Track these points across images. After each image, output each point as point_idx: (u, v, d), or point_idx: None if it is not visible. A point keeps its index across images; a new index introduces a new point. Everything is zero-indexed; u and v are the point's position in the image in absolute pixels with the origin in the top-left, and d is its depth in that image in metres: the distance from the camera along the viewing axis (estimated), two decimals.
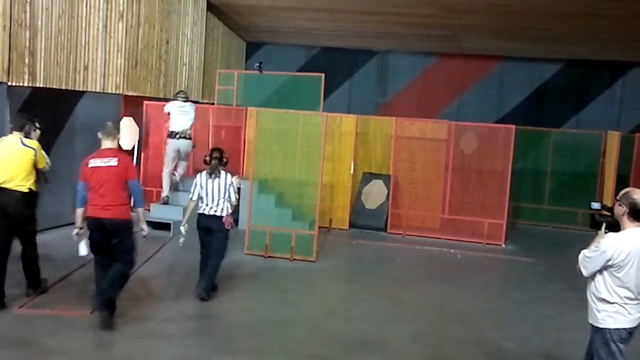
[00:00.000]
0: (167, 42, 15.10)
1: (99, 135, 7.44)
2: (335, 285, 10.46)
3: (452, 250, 12.75)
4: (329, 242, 12.67)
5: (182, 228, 8.70)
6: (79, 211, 7.35)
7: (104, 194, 7.17)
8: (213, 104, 15.59)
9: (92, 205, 7.23)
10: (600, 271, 5.09)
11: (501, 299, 9.78)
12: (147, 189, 14.00)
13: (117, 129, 7.62)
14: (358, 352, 7.20)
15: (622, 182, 13.19)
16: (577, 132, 16.93)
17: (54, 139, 11.61)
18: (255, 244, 11.24)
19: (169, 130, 12.84)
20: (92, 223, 7.27)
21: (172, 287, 9.12)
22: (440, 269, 11.49)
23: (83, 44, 12.28)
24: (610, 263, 5.01)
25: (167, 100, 14.80)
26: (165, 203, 12.89)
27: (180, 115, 12.70)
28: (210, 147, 12.91)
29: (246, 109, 13.72)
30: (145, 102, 14.06)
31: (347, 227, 14.24)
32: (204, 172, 8.70)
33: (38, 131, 8.13)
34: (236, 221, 8.76)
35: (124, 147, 13.70)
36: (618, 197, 5.17)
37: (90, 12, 12.38)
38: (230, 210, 8.67)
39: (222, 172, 8.65)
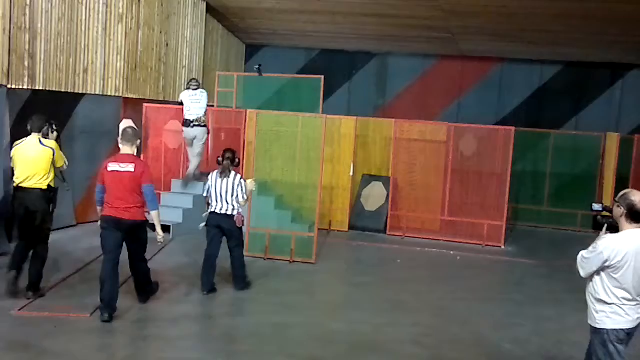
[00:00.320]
0: (167, 45, 15.12)
1: (119, 140, 7.82)
2: (335, 287, 10.46)
3: (452, 252, 12.75)
4: (329, 244, 12.67)
5: (204, 216, 9.11)
6: (99, 209, 7.83)
7: (121, 197, 7.57)
8: (213, 106, 15.57)
9: (110, 207, 7.62)
10: (597, 272, 5.11)
11: (501, 301, 9.77)
12: None
13: (136, 135, 7.93)
14: (358, 354, 7.20)
15: (622, 183, 13.18)
16: (576, 134, 16.94)
17: None
18: (255, 246, 11.24)
19: (183, 119, 12.99)
20: (108, 220, 7.63)
21: (173, 289, 9.11)
22: (440, 271, 11.49)
23: (83, 46, 12.30)
24: (607, 264, 5.02)
25: (166, 102, 14.86)
26: (199, 179, 12.99)
27: (192, 104, 12.87)
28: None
29: (246, 111, 13.70)
30: (145, 104, 14.06)
31: (346, 229, 14.24)
32: (216, 172, 9.01)
33: (55, 132, 8.54)
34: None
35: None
36: (616, 199, 5.19)
37: (89, 15, 12.41)
38: (240, 209, 8.97)
39: (232, 173, 8.94)
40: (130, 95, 13.79)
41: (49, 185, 8.08)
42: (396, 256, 12.29)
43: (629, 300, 5.06)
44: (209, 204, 9.09)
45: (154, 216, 7.80)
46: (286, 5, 15.99)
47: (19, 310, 7.66)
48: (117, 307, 7.64)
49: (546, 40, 16.50)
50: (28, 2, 10.84)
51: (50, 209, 8.20)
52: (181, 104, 13.08)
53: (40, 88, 11.25)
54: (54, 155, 8.10)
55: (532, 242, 14.30)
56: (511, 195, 13.89)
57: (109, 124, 13.12)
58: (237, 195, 8.91)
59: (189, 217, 12.24)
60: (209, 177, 9.08)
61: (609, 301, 5.09)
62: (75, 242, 10.97)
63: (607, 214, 5.43)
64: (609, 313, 5.10)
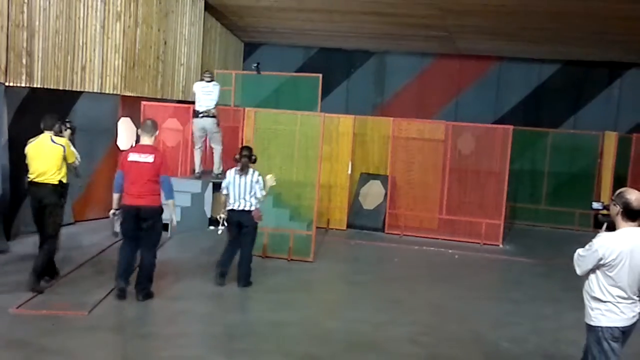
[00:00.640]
0: (165, 43, 15.10)
1: (139, 132, 8.34)
2: (333, 285, 10.46)
3: (450, 251, 12.75)
4: (327, 242, 12.67)
5: (219, 217, 9.38)
6: (116, 196, 8.22)
7: (140, 185, 8.01)
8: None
9: (129, 195, 8.06)
10: (593, 270, 5.15)
11: (499, 299, 9.78)
12: None
13: (155, 127, 8.31)
14: (355, 353, 7.20)
15: (620, 182, 13.20)
16: (574, 133, 16.95)
17: None
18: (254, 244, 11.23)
19: (193, 110, 13.14)
20: (128, 210, 8.09)
21: (170, 287, 9.11)
22: (438, 270, 11.49)
23: (80, 44, 12.29)
24: (602, 262, 5.05)
25: (165, 100, 14.85)
26: (198, 178, 13.16)
27: (203, 95, 13.01)
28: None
29: (244, 110, 13.70)
30: (143, 102, 14.05)
31: (344, 228, 14.24)
32: (234, 169, 9.19)
33: (69, 130, 9.13)
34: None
35: (122, 148, 13.72)
36: (613, 197, 5.21)
37: (87, 13, 12.39)
38: (258, 205, 9.17)
39: (250, 170, 9.13)
40: (128, 93, 13.77)
41: (60, 181, 8.46)
42: (394, 255, 12.30)
43: (624, 298, 5.08)
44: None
45: (170, 204, 8.27)
46: (284, 4, 15.98)
47: (17, 308, 7.65)
48: (130, 281, 8.27)
49: (544, 39, 16.49)
50: (26, 0, 10.82)
51: (61, 203, 8.59)
52: (193, 96, 13.25)
53: (38, 86, 11.24)
54: (64, 152, 8.46)
55: (530, 241, 14.31)
56: (509, 193, 13.91)
57: (106, 122, 13.12)
58: (256, 192, 9.12)
59: (187, 215, 12.24)
60: (227, 174, 9.26)
61: (604, 299, 5.11)
62: (73, 239, 10.95)
63: (608, 212, 5.45)
64: (604, 311, 5.12)
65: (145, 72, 14.37)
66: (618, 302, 5.08)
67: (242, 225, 9.18)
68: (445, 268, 11.61)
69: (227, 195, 9.18)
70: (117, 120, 13.54)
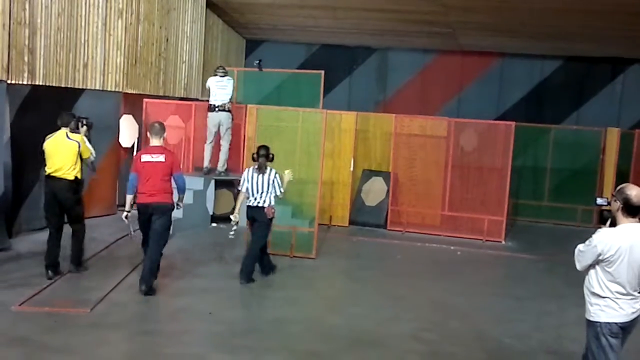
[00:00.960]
0: (167, 40, 15.10)
1: (148, 134, 8.63)
2: (335, 282, 10.46)
3: (452, 247, 12.75)
4: (329, 239, 12.67)
5: (232, 217, 9.58)
6: (129, 197, 8.57)
7: (153, 184, 8.36)
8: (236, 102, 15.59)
9: (142, 194, 8.42)
10: (593, 266, 5.17)
11: (501, 296, 9.77)
12: None
13: (163, 129, 8.65)
14: (358, 349, 7.20)
15: (622, 178, 13.17)
16: (577, 129, 16.91)
17: None
18: None
19: (209, 104, 13.16)
20: (142, 209, 8.45)
21: (173, 284, 9.12)
22: (441, 266, 11.48)
23: (82, 41, 12.28)
24: (600, 258, 5.07)
25: (167, 97, 14.85)
26: (207, 174, 13.21)
27: (218, 90, 13.06)
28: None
29: (246, 107, 13.69)
30: (145, 99, 14.05)
31: (347, 224, 14.23)
32: (252, 168, 9.40)
33: (85, 127, 9.46)
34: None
35: (124, 145, 13.73)
36: (613, 193, 5.22)
37: (89, 10, 12.39)
38: (273, 202, 9.37)
39: (268, 168, 9.34)
40: (130, 91, 13.77)
41: (75, 177, 8.89)
42: (396, 251, 12.30)
43: (622, 294, 5.08)
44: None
45: (181, 198, 8.73)
46: (286, 0, 15.96)
47: (19, 305, 7.66)
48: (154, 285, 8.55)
49: (547, 35, 16.46)
50: None
51: (76, 198, 9.03)
52: (208, 89, 13.29)
53: (40, 83, 11.23)
54: (79, 148, 8.87)
55: (533, 237, 14.29)
56: (511, 190, 13.89)
57: (108, 119, 13.11)
58: (275, 190, 9.33)
59: (189, 213, 12.22)
60: (245, 173, 9.48)
61: (602, 294, 5.12)
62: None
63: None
64: (603, 306, 5.13)
65: (147, 69, 14.37)
66: (617, 298, 5.09)
67: (255, 220, 9.43)
68: (447, 264, 11.60)
69: (246, 193, 9.39)
70: (119, 118, 13.54)
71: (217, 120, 13.03)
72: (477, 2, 14.33)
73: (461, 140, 14.29)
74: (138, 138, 13.99)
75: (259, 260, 9.60)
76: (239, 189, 9.52)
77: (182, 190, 8.68)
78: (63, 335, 6.95)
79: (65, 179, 8.81)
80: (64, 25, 11.71)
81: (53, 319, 7.37)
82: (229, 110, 13.05)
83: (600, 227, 5.33)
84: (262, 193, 9.30)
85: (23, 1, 10.70)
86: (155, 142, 8.55)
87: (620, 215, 5.12)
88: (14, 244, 10.33)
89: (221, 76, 13.16)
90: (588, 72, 18.58)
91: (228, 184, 13.62)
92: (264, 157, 9.32)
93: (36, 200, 11.37)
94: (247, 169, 9.49)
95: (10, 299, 7.81)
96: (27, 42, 10.84)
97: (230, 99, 13.08)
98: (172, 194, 8.58)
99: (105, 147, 13.06)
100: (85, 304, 7.87)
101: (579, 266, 5.25)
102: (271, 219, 9.49)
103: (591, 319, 5.22)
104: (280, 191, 9.40)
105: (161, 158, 8.41)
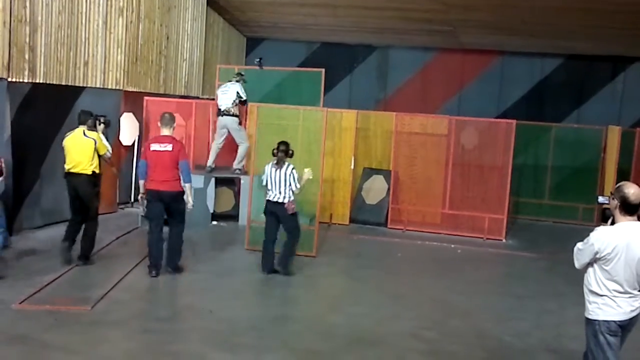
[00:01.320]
0: (167, 38, 15.09)
1: (159, 124, 9.35)
2: (336, 280, 10.45)
3: (453, 246, 12.74)
4: (330, 237, 12.67)
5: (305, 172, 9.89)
6: (142, 182, 9.21)
7: (162, 171, 8.99)
8: (213, 99, 15.58)
9: (152, 180, 9.05)
10: (591, 264, 5.18)
11: (502, 294, 9.77)
12: None
13: (173, 119, 9.36)
14: (358, 348, 7.20)
15: (623, 176, 13.15)
16: (578, 127, 16.89)
17: (54, 135, 11.59)
18: (256, 239, 11.19)
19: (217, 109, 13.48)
20: (152, 194, 9.09)
21: (172, 282, 9.12)
22: (441, 264, 11.48)
23: (83, 39, 12.28)
24: (598, 256, 5.08)
25: (167, 95, 14.85)
26: (209, 172, 13.33)
27: (221, 95, 13.38)
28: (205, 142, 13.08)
29: (246, 105, 13.69)
30: (146, 97, 14.04)
31: (347, 223, 14.22)
32: (271, 163, 9.69)
33: (102, 125, 10.16)
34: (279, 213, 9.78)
35: (124, 143, 13.72)
36: (612, 191, 5.22)
37: (90, 8, 12.38)
38: (292, 197, 9.62)
39: (286, 164, 9.59)
40: (130, 89, 13.77)
41: (93, 171, 9.41)
42: (397, 250, 12.30)
43: (620, 292, 5.09)
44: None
45: (187, 187, 9.15)
46: None
47: (20, 303, 7.66)
48: (162, 265, 9.22)
49: (548, 33, 16.45)
50: None
51: (94, 191, 9.57)
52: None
53: (41, 81, 11.23)
54: (95, 144, 9.38)
55: (533, 236, 14.28)
56: (512, 188, 13.87)
57: (109, 117, 13.06)
58: (290, 185, 9.54)
59: (190, 211, 12.17)
60: (265, 168, 9.73)
61: (600, 293, 5.14)
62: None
63: None
64: (601, 304, 5.15)
65: (147, 67, 14.36)
66: (615, 296, 5.10)
67: (277, 215, 9.68)
68: (448, 263, 11.59)
69: (266, 187, 9.71)
70: (120, 116, 13.53)
71: (223, 123, 13.25)
72: (478, 0, 14.33)
73: (462, 138, 14.27)
74: (139, 136, 13.98)
75: (283, 256, 9.83)
76: (263, 183, 9.83)
77: (186, 176, 9.09)
78: (63, 334, 6.96)
79: (84, 174, 9.33)
80: (65, 23, 11.71)
81: (53, 317, 7.37)
82: (234, 115, 13.13)
83: (600, 226, 5.34)
84: (279, 187, 9.54)
85: None
86: (165, 131, 9.19)
87: (617, 213, 5.13)
88: (15, 242, 10.32)
89: (228, 81, 13.46)
90: (589, 71, 18.57)
91: (229, 182, 13.62)
92: (282, 152, 9.57)
93: (37, 198, 11.39)
94: (267, 165, 9.76)
95: (10, 296, 7.82)
96: (27, 40, 10.83)
97: (234, 103, 13.13)
98: (180, 180, 9.11)
99: None
100: (85, 301, 7.87)
101: (577, 264, 5.27)
102: (293, 214, 9.72)
103: (590, 317, 5.23)
104: (296, 186, 9.59)
105: (169, 147, 8.99)
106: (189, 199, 9.23)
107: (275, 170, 9.58)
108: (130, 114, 13.67)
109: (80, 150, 9.35)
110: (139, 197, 9.38)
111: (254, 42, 20.47)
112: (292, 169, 9.61)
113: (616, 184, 5.41)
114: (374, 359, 6.98)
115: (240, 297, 8.89)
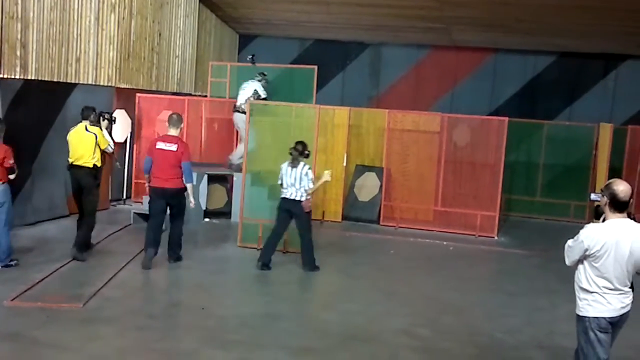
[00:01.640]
0: (160, 35, 15.05)
1: (166, 124, 9.73)
2: (328, 277, 10.44)
3: (445, 243, 12.76)
4: (322, 234, 12.66)
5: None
6: (147, 176, 9.65)
7: (165, 170, 9.36)
8: (206, 96, 15.57)
9: (156, 178, 9.44)
10: (581, 261, 5.21)
11: (494, 291, 9.80)
12: (138, 182, 13.98)
13: (180, 120, 9.70)
14: (351, 345, 7.20)
15: (615, 174, 13.19)
16: (570, 125, 16.92)
17: (46, 131, 11.56)
18: (248, 236, 11.23)
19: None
20: (156, 191, 9.51)
21: (164, 279, 9.11)
22: (433, 261, 11.50)
23: (75, 36, 12.23)
24: (587, 253, 5.10)
25: (159, 92, 14.81)
26: (229, 167, 13.60)
27: (240, 92, 13.62)
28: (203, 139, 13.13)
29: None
30: (138, 94, 14.02)
31: (340, 220, 14.24)
32: (287, 162, 9.87)
33: (106, 121, 10.99)
34: (288, 210, 10.00)
35: (116, 140, 13.67)
36: (602, 188, 5.24)
37: (82, 4, 12.33)
38: (309, 197, 9.83)
39: (301, 163, 9.77)
40: (122, 85, 13.73)
41: (94, 165, 9.78)
42: (389, 247, 12.31)
43: (610, 289, 5.11)
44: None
45: (188, 187, 9.50)
46: None
47: (11, 300, 7.64)
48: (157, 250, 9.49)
49: (540, 31, 16.47)
50: None
51: (95, 184, 9.94)
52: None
53: (33, 78, 11.18)
54: (96, 139, 9.77)
55: (525, 233, 14.32)
56: (504, 185, 13.90)
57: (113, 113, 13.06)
58: (305, 183, 9.70)
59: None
60: (282, 166, 9.93)
61: (590, 289, 5.16)
62: (67, 232, 10.92)
63: None
64: (591, 301, 5.17)
65: (139, 63, 14.32)
66: (604, 293, 5.12)
67: (291, 212, 9.88)
68: (440, 260, 11.62)
69: (281, 185, 9.91)
70: (112, 113, 13.48)
71: (235, 120, 13.60)
72: None
73: (454, 135, 14.29)
74: (131, 133, 13.95)
75: (307, 254, 10.07)
76: (278, 182, 10.03)
77: (188, 177, 9.44)
78: (55, 331, 6.94)
79: (86, 167, 9.71)
80: (57, 19, 11.66)
81: (45, 314, 7.35)
82: (244, 112, 13.07)
83: (591, 223, 5.36)
84: (294, 185, 9.72)
85: None
86: (172, 131, 9.54)
87: (607, 211, 5.15)
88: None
89: (250, 79, 13.64)
90: (581, 68, 18.59)
91: (221, 179, 13.61)
92: (297, 151, 9.76)
93: (29, 195, 11.35)
94: (283, 163, 9.92)
95: (1, 294, 7.79)
96: (19, 37, 10.78)
97: (246, 100, 13.04)
98: (182, 179, 9.45)
99: None
100: (77, 299, 7.86)
101: (567, 261, 5.29)
102: (308, 212, 9.91)
103: (580, 313, 5.25)
104: (309, 186, 9.73)
105: (173, 147, 9.35)
106: (191, 199, 9.56)
107: (291, 169, 9.75)
108: (123, 111, 13.64)
109: (83, 144, 9.71)
110: (147, 186, 9.85)
111: (246, 39, 20.43)
112: (308, 168, 9.81)
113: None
114: (367, 356, 6.98)
115: (233, 294, 8.89)
